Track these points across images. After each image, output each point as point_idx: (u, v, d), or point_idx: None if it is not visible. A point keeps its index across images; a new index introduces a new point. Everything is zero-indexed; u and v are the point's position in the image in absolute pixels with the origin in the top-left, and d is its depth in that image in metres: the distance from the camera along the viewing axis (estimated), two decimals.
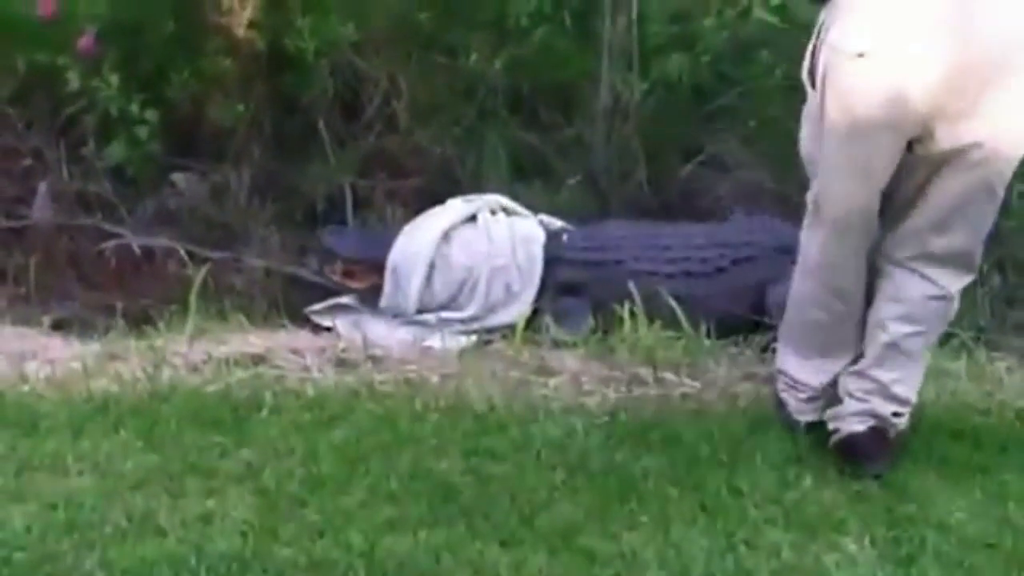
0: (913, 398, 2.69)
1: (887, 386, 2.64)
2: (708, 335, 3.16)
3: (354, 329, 3.27)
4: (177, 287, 3.45)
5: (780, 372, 2.84)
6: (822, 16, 2.55)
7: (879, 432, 2.65)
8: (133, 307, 3.37)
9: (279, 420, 2.78)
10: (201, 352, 3.08)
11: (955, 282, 2.64)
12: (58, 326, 3.29)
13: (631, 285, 3.24)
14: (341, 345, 3.17)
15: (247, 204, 3.84)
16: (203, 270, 3.41)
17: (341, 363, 3.10)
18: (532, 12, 3.89)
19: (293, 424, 2.77)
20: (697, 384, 3.02)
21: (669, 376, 3.04)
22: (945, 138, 2.49)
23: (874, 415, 2.65)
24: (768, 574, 2.33)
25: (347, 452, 2.65)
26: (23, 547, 2.30)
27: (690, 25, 3.86)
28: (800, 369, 2.79)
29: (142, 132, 3.80)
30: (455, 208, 3.47)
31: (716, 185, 3.85)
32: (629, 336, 3.16)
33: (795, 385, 2.80)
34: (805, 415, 2.78)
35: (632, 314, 3.20)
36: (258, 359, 3.07)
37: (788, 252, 3.26)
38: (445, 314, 3.33)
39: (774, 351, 2.96)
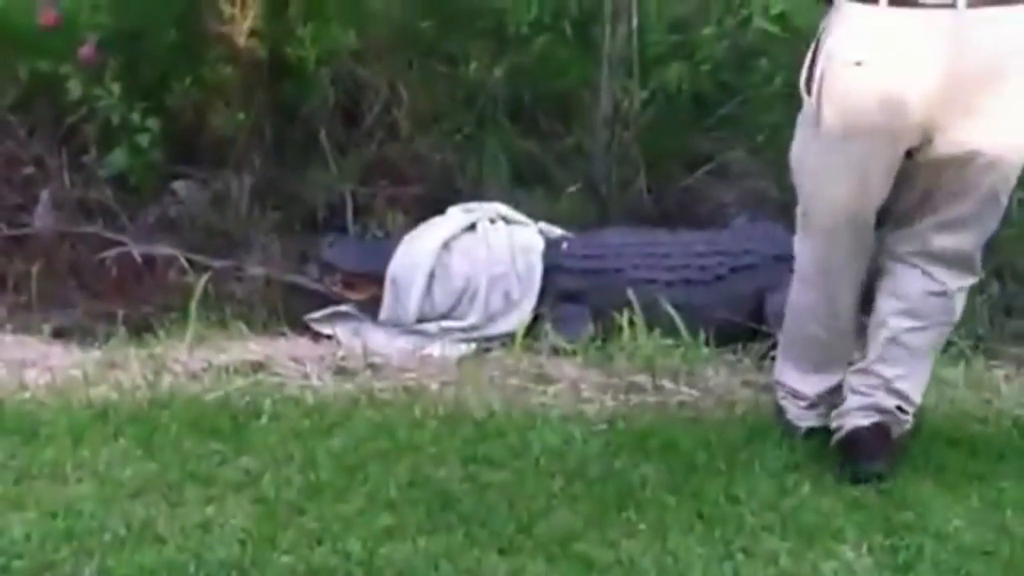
0: (917, 398, 2.70)
1: (890, 381, 2.65)
2: (707, 343, 3.17)
3: (354, 337, 3.28)
4: (178, 295, 3.46)
5: (778, 383, 2.86)
6: (822, 24, 2.57)
7: (882, 429, 2.65)
8: (134, 315, 3.38)
9: (278, 428, 2.79)
10: (201, 360, 3.09)
11: (955, 280, 2.65)
12: (59, 334, 3.30)
13: (630, 293, 3.25)
14: (341, 353, 3.18)
15: (248, 212, 3.86)
16: (203, 278, 3.42)
17: (340, 371, 3.11)
18: (532, 21, 3.90)
19: (292, 432, 2.77)
20: (695, 392, 3.02)
21: (667, 384, 3.04)
22: (943, 145, 2.51)
23: (878, 409, 2.65)
24: None
25: (346, 459, 2.66)
26: (22, 555, 2.31)
27: (690, 34, 3.88)
28: (799, 381, 2.80)
29: (143, 140, 3.81)
30: (454, 218, 3.48)
31: (716, 193, 3.86)
32: (628, 344, 3.17)
33: (794, 394, 2.81)
34: (805, 421, 2.80)
35: (631, 322, 3.21)
36: (258, 367, 3.08)
37: (787, 260, 3.25)
38: (445, 323, 3.34)
39: (773, 359, 2.98)
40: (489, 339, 3.31)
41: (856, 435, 2.66)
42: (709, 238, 3.44)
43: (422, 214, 3.71)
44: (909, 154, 2.56)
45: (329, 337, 3.32)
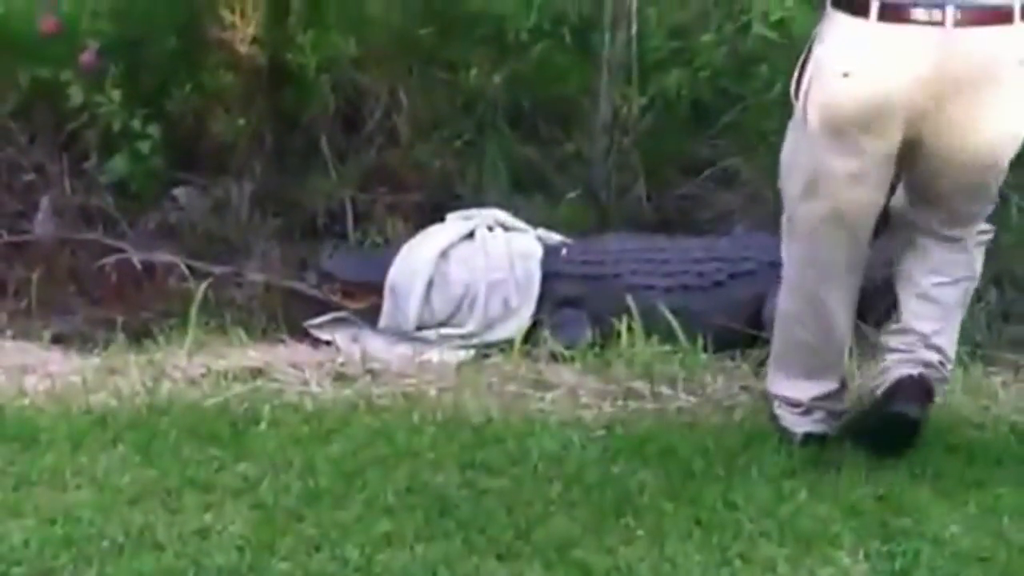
0: (951, 354, 2.77)
1: (928, 336, 2.72)
2: (705, 349, 3.17)
3: (353, 343, 3.29)
4: (177, 301, 3.47)
5: (771, 394, 2.87)
6: (814, 32, 2.63)
7: (924, 380, 2.69)
8: (133, 321, 3.39)
9: (277, 434, 2.79)
10: (200, 366, 3.09)
11: (969, 233, 2.73)
12: (58, 340, 3.31)
13: (628, 299, 3.25)
14: (340, 359, 3.18)
15: (248, 218, 3.87)
16: (203, 284, 3.43)
17: (340, 377, 3.11)
18: (532, 28, 3.91)
19: (291, 438, 2.78)
20: (693, 398, 3.02)
21: (666, 390, 3.04)
22: (934, 149, 2.57)
23: (922, 362, 2.70)
24: None
25: (344, 466, 2.66)
26: (20, 561, 2.31)
27: (689, 40, 3.89)
28: (790, 388, 2.81)
29: (144, 147, 3.83)
30: (452, 226, 3.49)
31: (715, 199, 3.87)
32: (626, 350, 3.17)
33: (787, 401, 2.82)
34: (801, 427, 2.80)
35: (629, 328, 3.21)
36: (257, 373, 3.08)
37: None
38: (444, 330, 3.35)
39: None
40: (488, 346, 3.32)
41: (900, 382, 2.70)
42: (708, 244, 3.45)
43: (422, 220, 3.72)
44: (907, 161, 2.62)
45: (328, 343, 3.32)
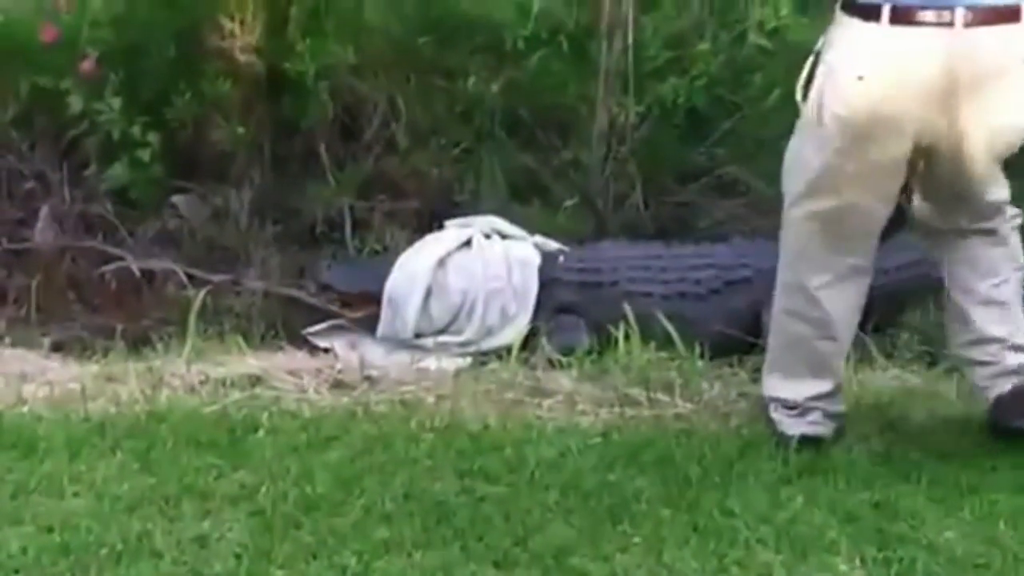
0: None
1: (1006, 340, 2.76)
2: (702, 356, 3.18)
3: (351, 351, 3.30)
4: (176, 309, 3.48)
5: (767, 397, 2.88)
6: (823, 37, 2.66)
7: (1020, 389, 2.73)
8: (132, 328, 3.40)
9: (275, 441, 2.80)
10: (199, 373, 3.10)
11: (1000, 222, 2.77)
12: (58, 348, 3.33)
13: (625, 306, 3.26)
14: (338, 366, 3.19)
15: (247, 226, 3.88)
16: (202, 292, 3.44)
17: (338, 384, 3.12)
18: (529, 36, 3.93)
19: (289, 445, 2.78)
20: (690, 405, 3.03)
21: (663, 397, 3.05)
22: (948, 147, 2.62)
23: (1011, 371, 2.74)
24: None
25: (342, 473, 2.67)
26: (19, 569, 2.31)
27: (685, 49, 3.91)
28: (786, 389, 2.83)
29: (144, 155, 3.85)
30: (449, 235, 3.50)
31: (712, 207, 3.88)
32: (623, 357, 3.18)
33: (783, 403, 2.83)
34: (796, 428, 2.81)
35: (627, 335, 3.22)
36: (255, 380, 3.09)
37: None
38: (442, 338, 3.36)
39: None
40: (485, 353, 3.33)
41: (999, 401, 2.75)
42: (704, 252, 3.46)
43: (420, 228, 3.74)
44: (922, 161, 2.67)
45: (326, 351, 3.33)
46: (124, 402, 2.96)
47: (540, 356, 3.24)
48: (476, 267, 3.40)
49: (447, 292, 3.38)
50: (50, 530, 2.43)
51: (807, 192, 2.69)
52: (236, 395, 3.01)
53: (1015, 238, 2.83)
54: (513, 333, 3.34)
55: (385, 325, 3.39)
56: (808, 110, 2.65)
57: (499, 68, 3.97)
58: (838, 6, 2.63)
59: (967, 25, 2.53)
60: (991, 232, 2.79)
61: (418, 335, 3.38)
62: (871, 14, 2.56)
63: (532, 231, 3.61)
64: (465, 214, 3.68)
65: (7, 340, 3.35)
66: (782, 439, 2.81)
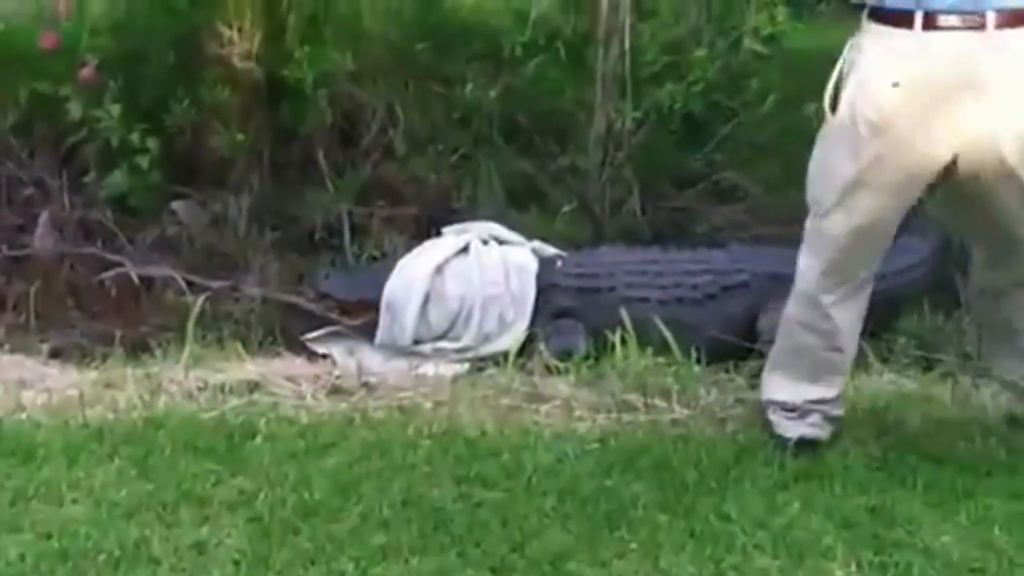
0: None
1: None
2: (698, 361, 3.18)
3: (349, 357, 3.31)
4: (175, 315, 3.49)
5: (766, 400, 2.89)
6: (849, 45, 2.66)
7: None
8: (131, 335, 3.41)
9: (273, 447, 2.81)
10: (197, 380, 3.10)
11: None
12: (56, 354, 3.33)
13: (622, 311, 3.27)
14: (336, 372, 3.20)
15: (246, 232, 3.89)
16: (201, 298, 3.45)
17: (335, 390, 3.13)
18: (527, 43, 3.95)
19: (287, 451, 2.79)
20: (687, 410, 3.03)
21: (659, 402, 3.05)
22: (979, 145, 2.60)
23: None
24: None
25: (340, 479, 2.68)
26: None
27: (682, 55, 3.92)
28: (786, 392, 2.83)
29: (143, 161, 3.86)
30: (446, 242, 3.51)
31: (709, 212, 3.89)
32: (620, 362, 3.18)
33: (783, 406, 2.84)
34: (795, 430, 2.82)
35: (624, 340, 3.23)
36: (253, 386, 3.10)
37: (778, 279, 3.30)
38: (439, 344, 3.36)
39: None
40: (483, 359, 3.33)
41: None
42: (701, 257, 3.47)
43: (418, 233, 3.75)
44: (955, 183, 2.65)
45: (324, 357, 3.34)
46: (122, 408, 2.97)
47: (537, 362, 3.25)
48: (474, 273, 3.41)
49: (445, 299, 3.39)
50: (48, 536, 2.44)
51: (839, 201, 2.67)
52: (234, 401, 3.01)
53: None
54: (511, 339, 3.34)
55: (383, 332, 3.39)
56: (839, 118, 2.64)
57: (497, 74, 3.98)
58: (865, 14, 2.63)
59: (999, 27, 2.54)
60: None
61: (416, 341, 3.38)
62: (902, 21, 2.57)
63: (530, 237, 3.61)
64: (463, 220, 3.69)
65: (6, 346, 3.35)
66: (779, 441, 2.82)
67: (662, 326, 3.24)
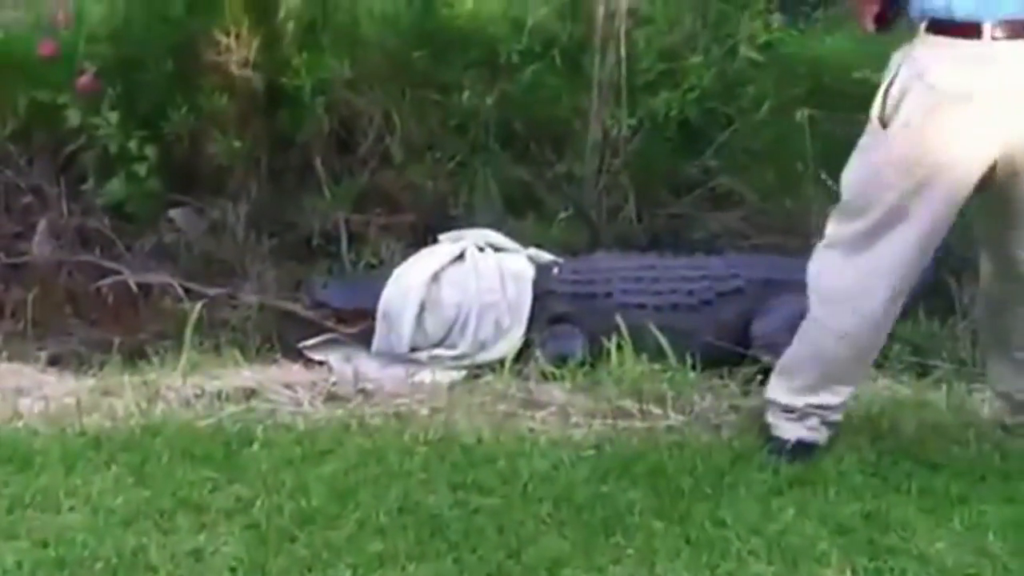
0: None
1: None
2: (694, 368, 3.19)
3: (346, 364, 3.32)
4: (172, 322, 3.50)
5: (769, 401, 2.88)
6: (898, 56, 2.64)
7: None
8: (129, 342, 3.42)
9: (270, 454, 2.81)
10: (194, 387, 3.11)
11: None
12: (54, 362, 3.34)
13: (618, 318, 3.28)
14: (333, 380, 3.21)
15: (244, 239, 3.90)
16: (198, 306, 3.46)
17: (332, 397, 3.13)
18: (523, 50, 3.97)
19: (284, 458, 2.80)
20: (682, 417, 3.04)
21: (655, 409, 3.06)
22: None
23: None
24: None
25: (337, 486, 2.68)
26: None
27: (678, 62, 3.93)
28: (791, 395, 2.83)
29: (141, 169, 3.88)
30: (442, 249, 3.52)
31: (705, 219, 3.90)
32: (616, 369, 3.19)
33: (784, 408, 2.85)
34: (793, 433, 2.83)
35: (619, 347, 3.23)
36: (250, 393, 3.10)
37: (773, 285, 3.32)
38: (436, 351, 3.37)
39: (761, 383, 3.01)
40: (479, 366, 3.34)
41: None
42: (697, 263, 3.47)
43: (415, 241, 3.76)
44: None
45: (321, 364, 3.35)
46: (120, 416, 2.97)
47: (533, 368, 3.26)
48: (470, 281, 3.42)
49: (441, 306, 3.40)
50: (45, 544, 2.44)
51: (894, 216, 2.63)
52: (231, 408, 3.02)
53: None
54: (507, 346, 3.35)
55: (380, 340, 3.40)
56: (895, 127, 2.60)
57: (493, 82, 3.99)
58: (924, 26, 2.61)
59: None
60: None
61: (413, 349, 3.39)
62: (969, 31, 2.56)
63: (526, 243, 3.62)
64: (460, 227, 3.70)
65: (3, 354, 3.36)
66: (776, 443, 2.82)
67: (658, 332, 3.25)
